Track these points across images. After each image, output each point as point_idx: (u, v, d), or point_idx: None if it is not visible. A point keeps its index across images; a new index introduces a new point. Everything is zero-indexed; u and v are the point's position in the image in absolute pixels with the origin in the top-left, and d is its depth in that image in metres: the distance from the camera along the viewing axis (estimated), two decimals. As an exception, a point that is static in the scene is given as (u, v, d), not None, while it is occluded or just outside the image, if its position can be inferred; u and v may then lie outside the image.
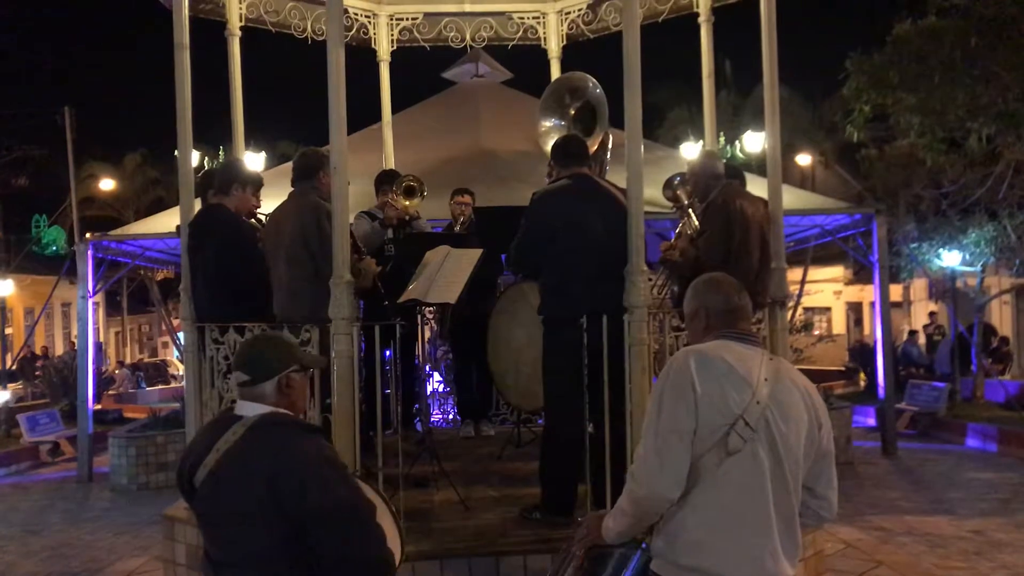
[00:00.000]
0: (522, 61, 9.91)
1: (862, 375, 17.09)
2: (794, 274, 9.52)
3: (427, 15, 7.77)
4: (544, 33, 7.74)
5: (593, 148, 5.20)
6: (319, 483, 2.45)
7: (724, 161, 5.71)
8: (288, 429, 2.56)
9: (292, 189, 5.14)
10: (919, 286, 22.70)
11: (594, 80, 5.62)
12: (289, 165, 9.54)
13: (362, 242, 6.14)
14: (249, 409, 2.60)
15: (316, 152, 5.14)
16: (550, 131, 5.76)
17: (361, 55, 7.66)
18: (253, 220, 5.33)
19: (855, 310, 27.50)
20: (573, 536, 2.70)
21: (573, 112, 5.72)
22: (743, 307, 2.62)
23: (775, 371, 2.49)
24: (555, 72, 7.52)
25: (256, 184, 5.30)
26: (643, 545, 2.54)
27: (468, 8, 7.77)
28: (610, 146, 5.54)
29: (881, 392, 10.96)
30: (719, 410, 2.38)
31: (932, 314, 19.85)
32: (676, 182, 5.81)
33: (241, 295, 4.93)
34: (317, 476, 2.46)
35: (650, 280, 4.53)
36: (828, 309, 27.85)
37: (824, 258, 19.40)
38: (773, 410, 2.42)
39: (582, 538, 2.64)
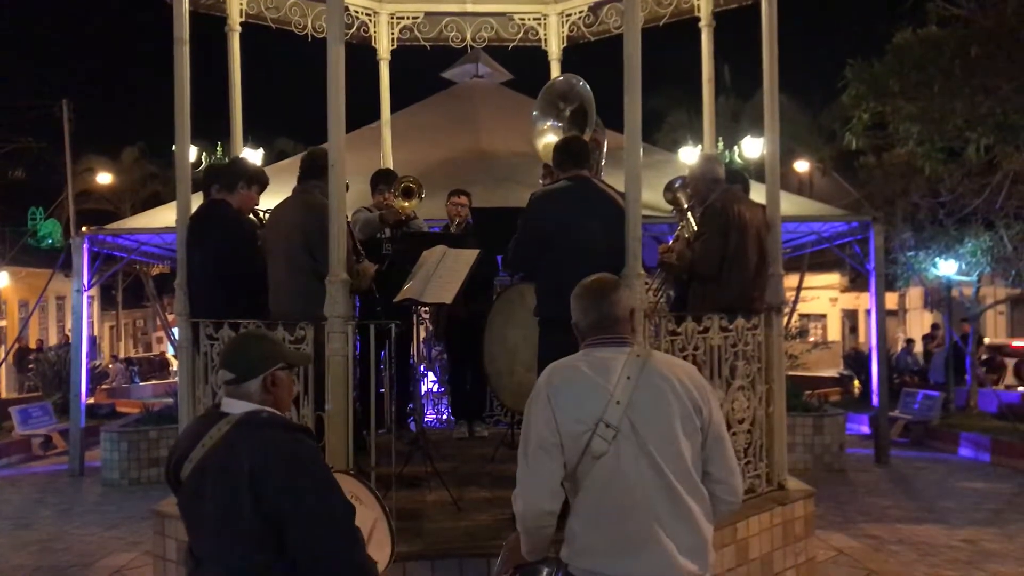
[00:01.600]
0: (522, 62, 9.91)
1: (856, 383, 17.10)
2: (790, 280, 9.49)
3: (428, 14, 7.76)
4: (545, 35, 7.74)
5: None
6: (298, 483, 2.46)
7: (727, 166, 5.70)
8: (272, 427, 2.56)
9: (296, 186, 5.13)
10: (915, 295, 22.76)
11: (581, 79, 5.61)
12: (286, 162, 9.55)
13: (359, 229, 6.12)
14: (235, 406, 2.61)
15: (323, 151, 5.12)
16: (547, 132, 5.75)
17: (361, 53, 7.66)
18: (253, 216, 5.32)
19: (850, 317, 27.57)
20: (501, 558, 2.76)
21: (568, 114, 5.71)
22: (607, 315, 2.64)
23: (640, 367, 2.53)
24: (555, 73, 7.52)
25: (262, 183, 5.30)
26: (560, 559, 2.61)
27: (469, 8, 7.76)
28: (604, 147, 5.53)
29: (875, 400, 10.97)
30: (577, 418, 2.46)
31: (935, 326, 19.84)
32: (677, 185, 5.81)
33: (239, 292, 4.92)
34: (297, 475, 2.47)
35: (647, 284, 4.52)
36: (824, 316, 27.93)
37: (820, 265, 19.43)
38: (638, 406, 2.47)
39: (505, 560, 2.72)
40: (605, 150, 5.53)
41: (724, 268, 5.02)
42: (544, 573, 2.63)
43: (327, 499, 2.50)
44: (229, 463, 2.48)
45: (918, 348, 18.72)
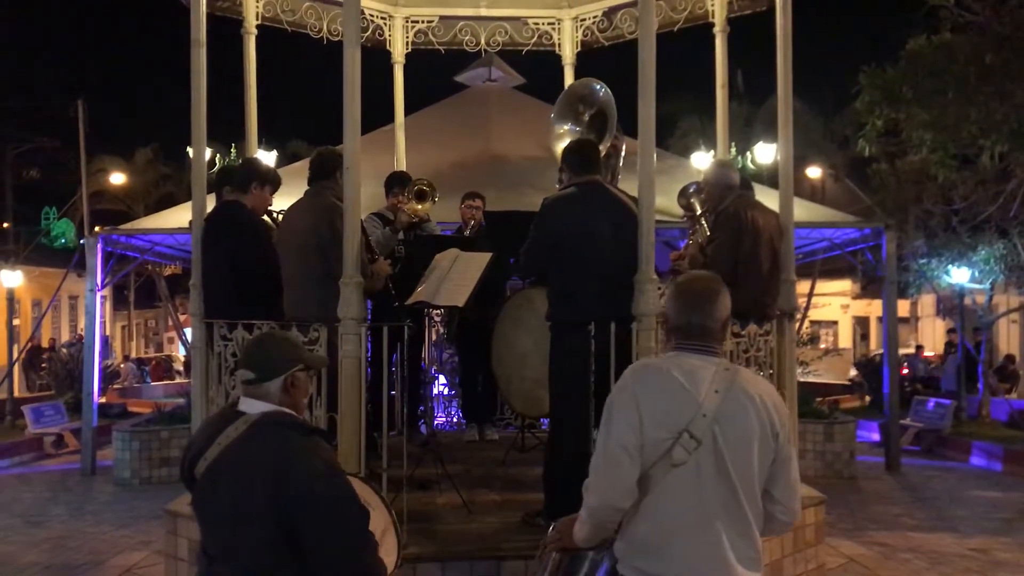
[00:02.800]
0: (536, 67, 9.92)
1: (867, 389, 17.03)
2: (802, 287, 9.50)
3: (443, 18, 7.78)
4: (559, 39, 7.75)
5: (603, 154, 5.19)
6: (317, 485, 2.47)
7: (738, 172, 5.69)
8: (291, 429, 2.57)
9: (308, 188, 5.15)
10: (927, 302, 22.66)
11: (603, 84, 5.62)
12: (299, 164, 9.59)
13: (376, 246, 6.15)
14: (252, 406, 2.62)
15: (333, 152, 5.15)
16: (564, 135, 5.75)
17: (375, 56, 7.68)
18: (267, 218, 5.34)
19: (862, 324, 27.46)
20: (547, 540, 2.76)
21: (587, 119, 5.72)
22: (705, 323, 2.59)
23: (728, 382, 2.52)
24: (568, 78, 7.53)
25: (275, 183, 5.32)
26: (612, 546, 2.61)
27: (484, 12, 7.78)
28: (623, 152, 5.53)
29: (886, 407, 10.93)
30: (662, 424, 2.45)
31: (951, 331, 19.72)
32: (691, 191, 5.80)
33: (254, 293, 4.94)
34: (315, 478, 2.48)
35: (659, 289, 4.52)
36: (835, 323, 27.81)
37: (832, 271, 19.34)
38: (721, 422, 2.46)
39: (554, 541, 2.71)
40: (623, 155, 5.53)
41: (737, 273, 5.02)
42: (589, 558, 2.64)
43: (343, 503, 2.51)
44: (246, 463, 2.49)
45: (936, 351, 18.60)
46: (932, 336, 23.58)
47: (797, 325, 6.55)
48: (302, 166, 10.24)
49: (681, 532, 2.47)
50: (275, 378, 2.64)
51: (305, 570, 2.49)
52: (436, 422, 7.80)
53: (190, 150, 5.61)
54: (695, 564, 2.47)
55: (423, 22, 7.77)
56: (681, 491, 2.46)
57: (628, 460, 2.45)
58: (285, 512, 2.44)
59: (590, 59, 7.78)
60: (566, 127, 5.74)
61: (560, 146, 5.53)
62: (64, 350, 19.06)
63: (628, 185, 4.99)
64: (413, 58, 7.92)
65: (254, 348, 2.78)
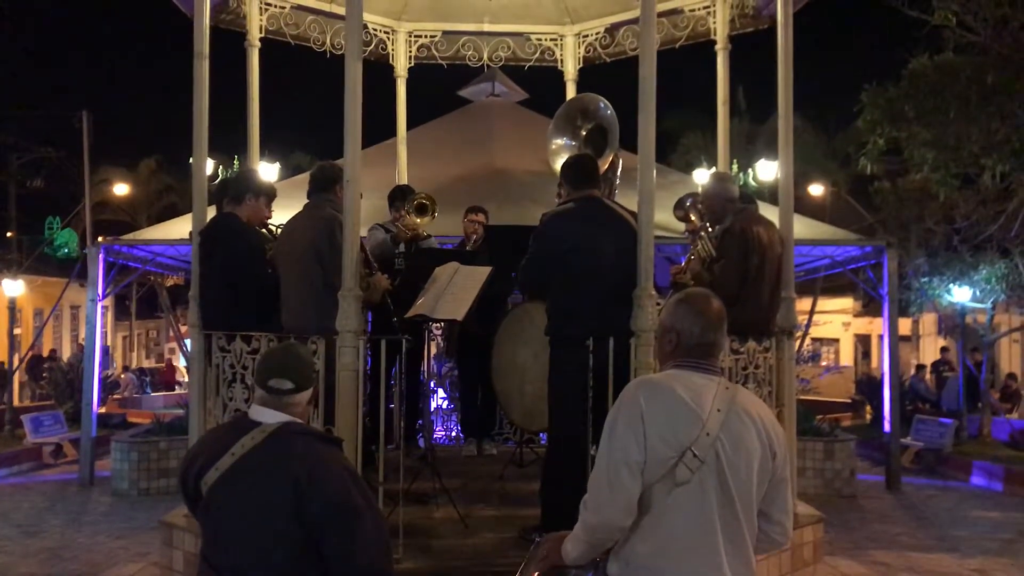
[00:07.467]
0: (538, 82, 9.96)
1: (868, 408, 16.99)
2: (803, 304, 9.48)
3: (445, 33, 7.83)
4: (561, 55, 7.79)
5: (603, 169, 5.21)
6: (341, 493, 2.48)
7: (741, 188, 5.70)
8: (313, 438, 2.59)
9: (308, 201, 5.17)
10: (928, 320, 22.63)
11: (605, 101, 5.64)
12: (302, 176, 9.64)
13: (374, 250, 6.17)
14: (268, 416, 2.60)
15: (333, 166, 5.18)
16: (560, 149, 5.77)
17: (378, 70, 7.72)
18: (265, 230, 5.36)
19: (863, 342, 27.41)
20: (532, 556, 2.72)
21: (584, 133, 5.74)
22: (716, 344, 2.60)
23: (729, 401, 2.50)
24: (571, 94, 7.55)
25: (269, 195, 5.34)
26: (598, 566, 2.58)
27: (487, 28, 7.82)
28: (619, 168, 5.55)
29: (887, 426, 10.90)
30: (667, 443, 2.42)
31: (944, 349, 19.70)
32: (688, 203, 5.80)
33: (247, 304, 4.94)
34: (341, 486, 2.49)
35: (658, 304, 4.52)
36: (836, 340, 27.77)
37: (833, 289, 19.36)
38: (724, 441, 2.44)
39: (541, 559, 2.67)
40: (620, 171, 5.54)
41: (742, 290, 5.01)
42: (572, 574, 2.60)
43: (366, 511, 2.52)
44: (268, 472, 2.49)
45: (928, 375, 18.59)
46: (934, 355, 23.54)
47: (797, 343, 6.54)
48: (304, 179, 10.29)
49: (684, 552, 2.44)
50: (309, 388, 2.65)
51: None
52: (434, 436, 7.78)
53: (192, 161, 5.61)
54: None
55: (426, 37, 7.81)
56: (684, 510, 2.43)
57: (631, 478, 2.42)
58: (312, 521, 2.44)
59: (592, 75, 7.82)
60: (561, 141, 5.76)
61: (556, 160, 5.54)
62: (65, 361, 19.06)
63: (627, 200, 4.99)
64: (416, 72, 7.95)
65: (289, 358, 2.69)
